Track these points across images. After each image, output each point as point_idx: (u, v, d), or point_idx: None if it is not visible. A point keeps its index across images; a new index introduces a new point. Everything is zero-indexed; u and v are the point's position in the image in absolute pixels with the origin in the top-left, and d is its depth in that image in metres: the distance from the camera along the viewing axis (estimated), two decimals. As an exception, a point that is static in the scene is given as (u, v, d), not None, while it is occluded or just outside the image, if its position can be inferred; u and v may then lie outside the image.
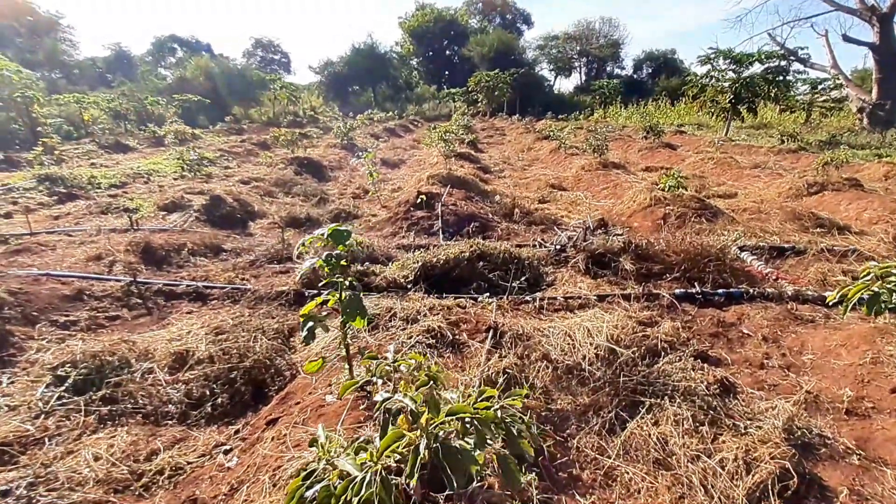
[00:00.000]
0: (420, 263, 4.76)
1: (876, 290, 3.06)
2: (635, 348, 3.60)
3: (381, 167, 12.21)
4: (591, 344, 3.46)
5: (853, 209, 8.17)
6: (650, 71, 49.72)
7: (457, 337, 3.52)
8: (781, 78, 17.68)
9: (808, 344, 3.93)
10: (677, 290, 4.76)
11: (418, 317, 3.72)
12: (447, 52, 43.77)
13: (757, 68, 17.83)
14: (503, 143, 19.48)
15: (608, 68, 49.27)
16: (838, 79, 22.81)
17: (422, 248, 5.47)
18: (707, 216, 7.30)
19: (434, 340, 3.44)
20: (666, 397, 3.05)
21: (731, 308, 4.60)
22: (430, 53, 43.62)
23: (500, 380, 3.08)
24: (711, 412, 2.98)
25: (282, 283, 5.07)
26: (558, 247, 5.61)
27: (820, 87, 22.80)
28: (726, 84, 18.17)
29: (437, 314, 3.70)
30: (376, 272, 4.79)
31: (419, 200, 6.94)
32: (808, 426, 3.02)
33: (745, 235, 6.75)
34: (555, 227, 6.90)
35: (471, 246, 5.10)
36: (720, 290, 4.77)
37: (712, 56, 18.31)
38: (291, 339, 4.17)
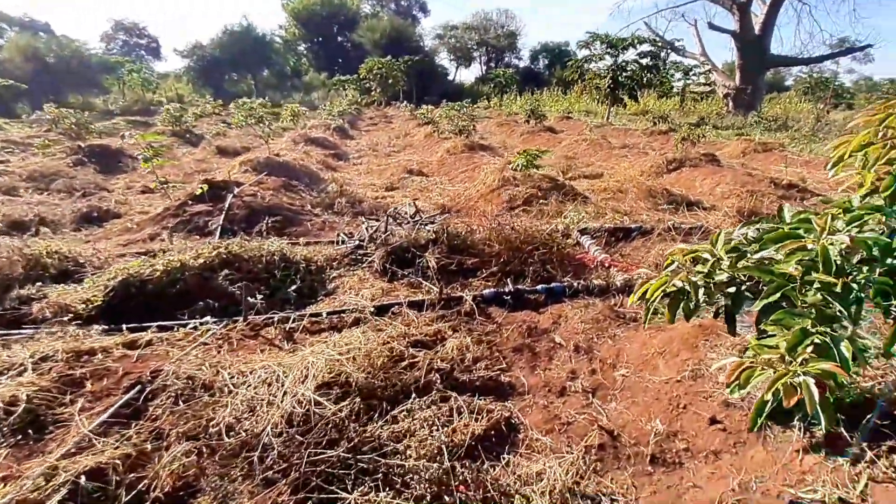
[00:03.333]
0: (119, 279, 3.24)
1: (680, 284, 2.11)
2: (381, 388, 2.43)
3: (219, 156, 10.31)
4: (294, 396, 2.21)
5: (707, 184, 7.87)
6: (546, 62, 50.95)
7: (57, 410, 2.09)
8: (653, 63, 18.06)
9: (624, 353, 3.00)
10: (486, 291, 3.70)
11: None
12: (339, 39, 41.12)
13: (631, 54, 18.10)
14: (385, 129, 18.11)
15: (506, 59, 49.69)
16: (706, 66, 24.17)
17: (155, 254, 3.93)
18: (558, 197, 6.48)
19: None
20: (377, 480, 1.88)
21: (549, 309, 3.63)
22: (320, 39, 40.65)
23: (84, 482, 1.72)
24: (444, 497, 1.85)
25: None
26: (356, 243, 4.36)
27: (691, 73, 24.02)
28: (603, 68, 18.24)
29: (48, 368, 2.23)
30: (47, 295, 3.20)
31: (200, 191, 5.35)
32: (597, 493, 2.01)
33: (593, 217, 6.00)
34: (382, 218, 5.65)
35: (215, 249, 3.67)
36: (540, 287, 3.79)
37: (590, 41, 18.28)
38: None
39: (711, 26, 22.37)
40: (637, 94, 19.56)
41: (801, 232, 1.88)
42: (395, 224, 4.44)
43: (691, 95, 24.41)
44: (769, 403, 1.68)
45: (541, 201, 6.28)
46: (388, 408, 2.33)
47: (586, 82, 18.99)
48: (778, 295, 1.78)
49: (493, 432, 2.35)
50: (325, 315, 3.35)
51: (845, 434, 1.93)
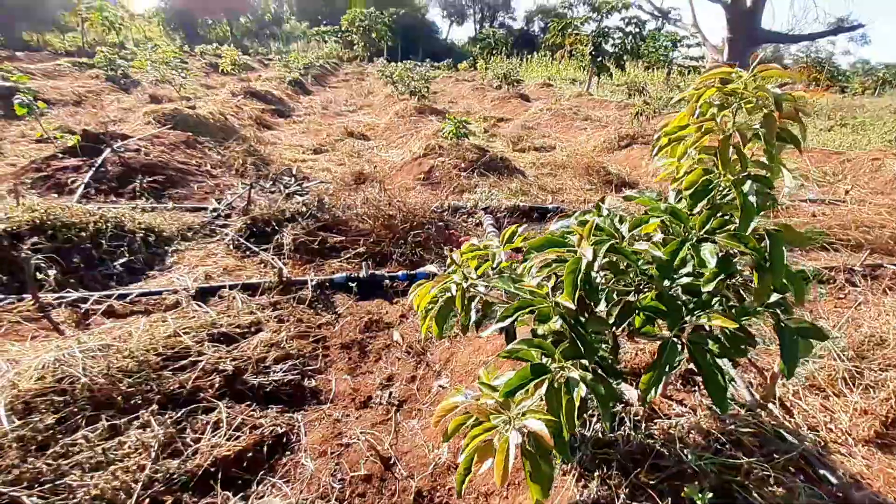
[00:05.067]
0: None
1: (452, 289, 1.72)
2: (127, 396, 2.05)
3: (151, 104, 9.57)
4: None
5: (654, 163, 7.41)
6: (543, 25, 49.00)
7: None
8: (637, 31, 17.16)
9: (455, 359, 2.65)
10: (336, 276, 3.30)
11: None
12: (324, -15, 38.92)
13: (616, 20, 17.15)
14: (354, 87, 17.22)
15: (500, 18, 47.67)
16: (696, 37, 23.18)
17: None
18: (483, 169, 6.01)
19: None
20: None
21: (404, 299, 3.25)
22: (304, -15, 38.46)
23: None
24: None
25: None
26: (216, 212, 3.90)
27: (679, 44, 23.05)
28: (586, 34, 17.31)
29: None
30: None
31: (72, 143, 4.80)
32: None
33: (514, 193, 5.54)
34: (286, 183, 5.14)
35: (29, 211, 3.20)
36: (401, 273, 3.39)
37: (573, 2, 17.26)
38: None
39: (705, -5, 21.26)
40: (624, 64, 18.69)
41: (569, 238, 1.48)
42: (265, 192, 3.97)
43: (678, 68, 23.51)
44: (472, 462, 1.32)
45: (462, 174, 5.81)
46: (115, 423, 1.95)
47: (567, 48, 18.06)
48: (512, 318, 1.39)
49: (250, 455, 2.00)
50: (135, 296, 2.93)
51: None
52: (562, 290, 1.36)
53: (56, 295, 2.82)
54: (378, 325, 2.98)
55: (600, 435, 1.77)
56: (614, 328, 1.52)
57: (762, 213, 1.49)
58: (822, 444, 2.14)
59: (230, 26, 30.97)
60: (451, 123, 6.20)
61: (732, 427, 1.77)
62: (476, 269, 1.75)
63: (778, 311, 1.43)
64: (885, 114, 14.25)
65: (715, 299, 1.45)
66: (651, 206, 1.54)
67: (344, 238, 3.68)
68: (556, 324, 1.32)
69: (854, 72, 31.92)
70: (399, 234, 3.72)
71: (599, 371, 1.48)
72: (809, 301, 3.74)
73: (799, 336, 1.36)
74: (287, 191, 3.95)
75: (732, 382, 2.18)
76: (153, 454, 1.84)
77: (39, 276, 2.90)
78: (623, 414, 1.84)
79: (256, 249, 3.54)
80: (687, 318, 1.38)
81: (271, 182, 4.13)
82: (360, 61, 30.54)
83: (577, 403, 1.24)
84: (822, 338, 1.37)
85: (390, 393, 2.42)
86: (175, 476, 1.81)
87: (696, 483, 1.54)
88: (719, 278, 1.39)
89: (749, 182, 1.43)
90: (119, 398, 2.05)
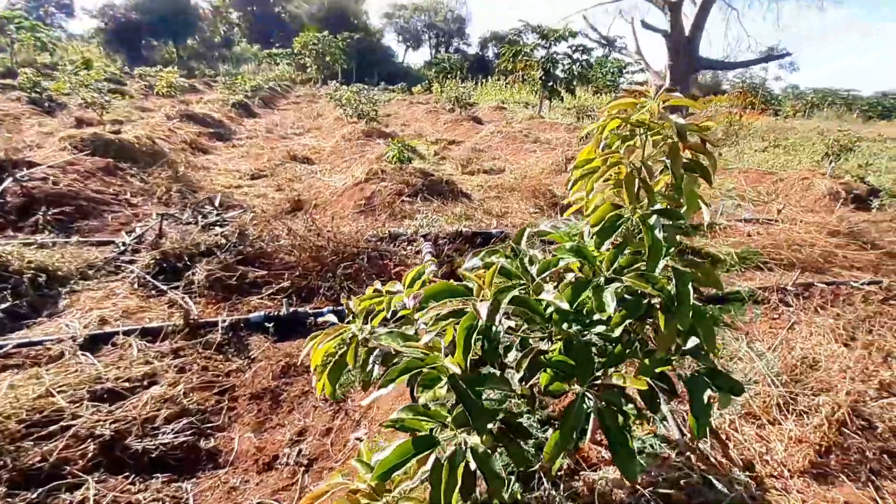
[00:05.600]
0: None
1: (347, 340, 1.51)
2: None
3: (78, 129, 8.95)
4: None
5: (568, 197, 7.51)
6: (496, 51, 50.45)
7: None
8: (584, 58, 17.84)
9: (377, 405, 2.42)
10: (253, 315, 3.02)
11: None
12: (276, 10, 38.47)
13: (563, 47, 17.77)
14: (305, 109, 16.93)
15: (455, 44, 48.73)
16: (640, 63, 24.41)
17: None
18: (427, 194, 5.88)
19: None
20: None
21: (329, 338, 2.99)
22: (254, 8, 37.83)
23: None
24: None
25: None
26: (124, 246, 3.54)
27: (625, 71, 24.15)
28: (536, 60, 17.83)
29: None
30: None
31: (-36, 172, 4.32)
32: None
33: (457, 218, 5.42)
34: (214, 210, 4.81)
35: None
36: (325, 309, 3.14)
37: (522, 29, 17.80)
38: None
39: (645, 25, 22.48)
40: (574, 88, 19.33)
41: (468, 286, 1.31)
42: (182, 223, 3.65)
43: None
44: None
45: (405, 199, 5.65)
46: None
47: (518, 73, 18.53)
48: (398, 381, 1.20)
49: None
50: (12, 347, 2.55)
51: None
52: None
53: None
54: (296, 370, 2.72)
55: (518, 497, 1.59)
56: (523, 383, 1.36)
57: (672, 249, 1.38)
58: (758, 481, 2.04)
59: (176, 48, 29.97)
60: (395, 147, 6.05)
61: (660, 479, 1.63)
62: (375, 317, 1.56)
63: (694, 361, 1.31)
64: (813, 135, 15.25)
65: (629, 349, 1.31)
66: (559, 246, 1.41)
67: (267, 272, 3.41)
68: (442, 389, 1.13)
69: (786, 96, 34.44)
70: (328, 267, 3.48)
71: (510, 434, 1.31)
72: (745, 322, 3.76)
73: (711, 389, 1.23)
74: (205, 221, 3.65)
75: (664, 422, 2.06)
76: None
77: None
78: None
79: (164, 288, 3.21)
80: (598, 374, 1.23)
81: (191, 211, 3.81)
82: (314, 84, 30.26)
83: (460, 481, 1.05)
84: (738, 392, 1.24)
85: (300, 450, 2.16)
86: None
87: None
88: (626, 322, 1.26)
89: (655, 217, 1.32)
90: (-47, 483, 1.70)
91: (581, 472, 1.70)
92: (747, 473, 2.00)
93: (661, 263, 1.38)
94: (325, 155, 8.92)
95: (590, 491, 1.59)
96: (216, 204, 4.09)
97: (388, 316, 1.53)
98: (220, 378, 2.59)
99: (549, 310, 1.28)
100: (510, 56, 18.45)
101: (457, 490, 1.05)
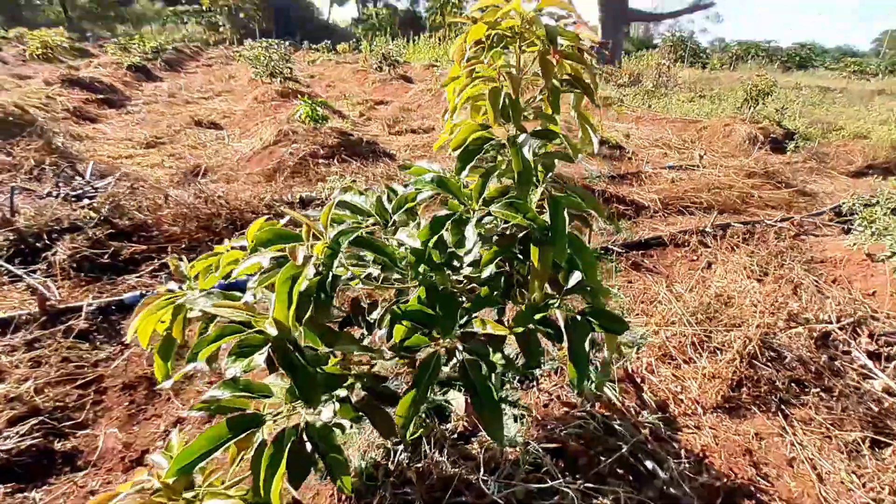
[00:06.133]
0: None
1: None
2: None
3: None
4: None
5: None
6: (427, 4, 48.68)
7: None
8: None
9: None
10: (127, 295, 2.64)
11: None
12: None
13: None
14: (217, 71, 15.52)
15: (384, -1, 46.48)
16: (573, 16, 24.33)
17: None
18: (346, 155, 5.49)
19: None
20: None
21: (222, 313, 2.68)
22: (156, -39, 33.76)
23: None
24: None
25: None
26: (-34, 227, 2.98)
27: (556, 23, 23.89)
28: (467, 14, 17.23)
29: None
30: None
31: None
32: None
33: (376, 180, 5.11)
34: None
35: None
36: (217, 283, 2.80)
37: (449, -20, 17.04)
38: None
39: (575, -23, 22.31)
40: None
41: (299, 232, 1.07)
42: (37, 197, 3.13)
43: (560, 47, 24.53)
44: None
45: (320, 161, 5.24)
46: None
47: (448, 27, 17.88)
48: (204, 352, 0.96)
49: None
50: None
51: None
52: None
53: None
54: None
55: (406, 464, 1.43)
56: (389, 341, 1.16)
57: (549, 175, 1.21)
58: (669, 421, 2.01)
59: (64, 8, 26.23)
60: (306, 105, 5.57)
61: (560, 430, 1.52)
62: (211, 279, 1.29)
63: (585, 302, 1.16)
64: (736, 85, 15.90)
65: (497, 292, 1.13)
66: (418, 179, 1.19)
67: (146, 247, 2.99)
68: (261, 357, 0.91)
69: (713, 49, 35.67)
70: (222, 236, 3.12)
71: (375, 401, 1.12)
72: (666, 266, 3.80)
73: (595, 328, 1.08)
74: (68, 192, 3.13)
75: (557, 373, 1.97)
76: None
77: None
78: (438, 431, 1.52)
79: (20, 273, 2.74)
80: (461, 323, 1.05)
81: (54, 183, 3.27)
82: (229, 45, 27.89)
83: (282, 469, 0.84)
84: (620, 330, 1.10)
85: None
86: None
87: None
88: (496, 261, 1.08)
89: (525, 136, 1.12)
90: None
91: (479, 433, 1.56)
92: (659, 415, 1.96)
93: (539, 192, 1.21)
94: (237, 119, 8.18)
95: (483, 450, 1.46)
96: (86, 174, 3.54)
97: (217, 273, 1.27)
98: (85, 369, 2.24)
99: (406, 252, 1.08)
100: (438, 6, 17.73)
101: (279, 475, 0.84)
